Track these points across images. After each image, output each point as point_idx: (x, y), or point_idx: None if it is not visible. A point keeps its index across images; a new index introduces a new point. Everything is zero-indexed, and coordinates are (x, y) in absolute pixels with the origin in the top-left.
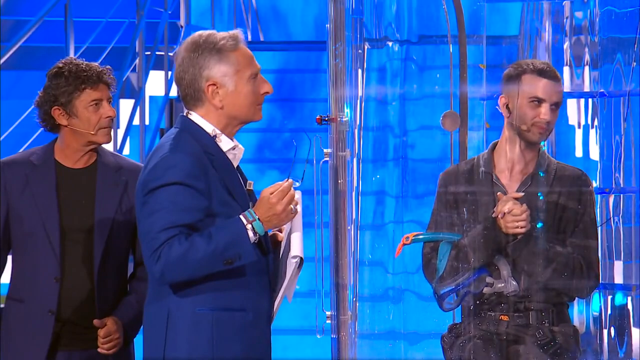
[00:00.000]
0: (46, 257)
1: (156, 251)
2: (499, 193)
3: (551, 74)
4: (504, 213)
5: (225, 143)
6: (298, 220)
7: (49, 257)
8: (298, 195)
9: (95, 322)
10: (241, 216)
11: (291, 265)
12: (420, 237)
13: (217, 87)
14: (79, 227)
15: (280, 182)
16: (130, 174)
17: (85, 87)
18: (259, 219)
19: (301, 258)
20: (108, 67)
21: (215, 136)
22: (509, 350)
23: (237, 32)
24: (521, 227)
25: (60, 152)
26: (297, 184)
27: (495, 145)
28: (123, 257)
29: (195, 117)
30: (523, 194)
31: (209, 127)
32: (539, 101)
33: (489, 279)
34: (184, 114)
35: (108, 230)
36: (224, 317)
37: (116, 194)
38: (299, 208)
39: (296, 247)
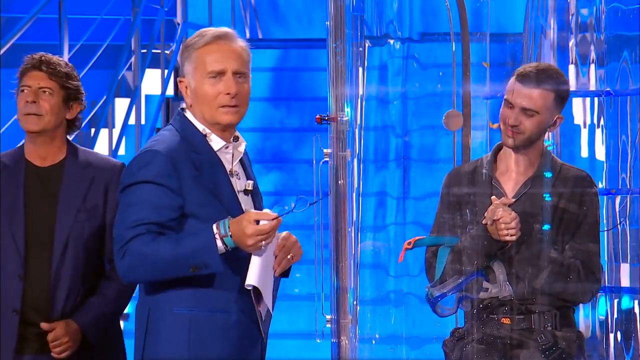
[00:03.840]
0: (12, 255)
1: (122, 249)
2: (493, 197)
3: (529, 79)
4: (493, 220)
5: (215, 142)
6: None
7: (14, 255)
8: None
9: (43, 325)
10: (214, 225)
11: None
12: (422, 241)
13: (185, 86)
14: (42, 225)
15: (270, 214)
16: (97, 170)
17: (21, 76)
18: (231, 235)
19: (255, 287)
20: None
21: (206, 135)
22: (510, 354)
23: (218, 29)
24: (511, 235)
25: (29, 150)
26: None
27: (500, 146)
28: (90, 256)
29: (189, 114)
30: (514, 200)
31: (200, 126)
32: (509, 104)
33: (485, 284)
34: (181, 108)
35: (68, 229)
36: (203, 318)
37: (80, 191)
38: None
39: (252, 275)
